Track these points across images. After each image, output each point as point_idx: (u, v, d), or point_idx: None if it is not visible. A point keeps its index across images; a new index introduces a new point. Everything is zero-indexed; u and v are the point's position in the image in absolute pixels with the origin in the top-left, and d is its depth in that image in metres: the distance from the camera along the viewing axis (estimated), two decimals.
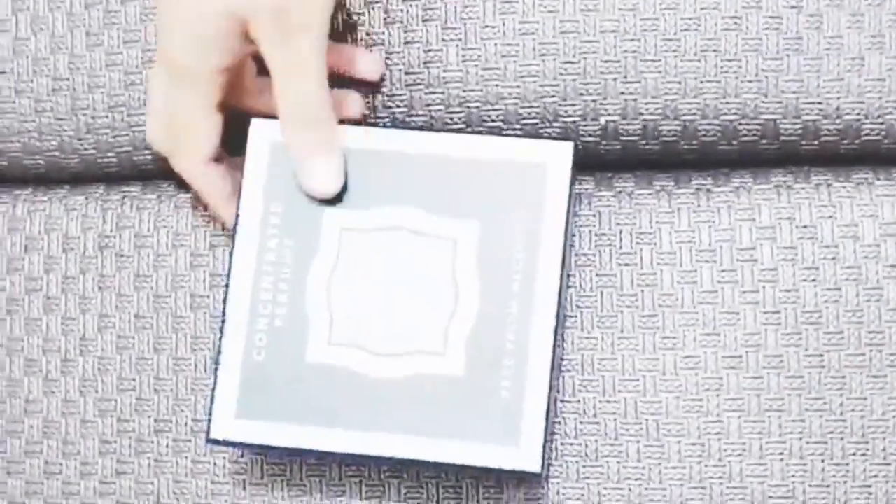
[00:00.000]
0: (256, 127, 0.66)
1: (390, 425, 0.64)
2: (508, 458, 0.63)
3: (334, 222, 0.65)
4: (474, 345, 0.64)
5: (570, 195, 0.64)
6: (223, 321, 0.65)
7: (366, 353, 0.64)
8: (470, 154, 0.65)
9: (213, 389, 0.65)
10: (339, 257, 0.65)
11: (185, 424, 0.70)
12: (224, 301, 0.65)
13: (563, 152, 0.64)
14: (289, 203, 0.65)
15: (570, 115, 0.69)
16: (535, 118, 0.69)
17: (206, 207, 0.71)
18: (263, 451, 0.68)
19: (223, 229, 0.71)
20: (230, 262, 0.65)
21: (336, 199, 0.65)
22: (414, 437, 0.64)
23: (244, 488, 0.70)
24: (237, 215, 0.65)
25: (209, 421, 0.65)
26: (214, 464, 0.70)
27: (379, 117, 0.70)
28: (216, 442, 0.65)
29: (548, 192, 0.64)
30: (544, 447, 0.63)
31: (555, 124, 0.69)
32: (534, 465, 0.63)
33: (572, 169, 0.64)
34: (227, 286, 0.65)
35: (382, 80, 0.70)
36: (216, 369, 0.65)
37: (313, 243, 0.65)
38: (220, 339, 0.65)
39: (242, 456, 0.70)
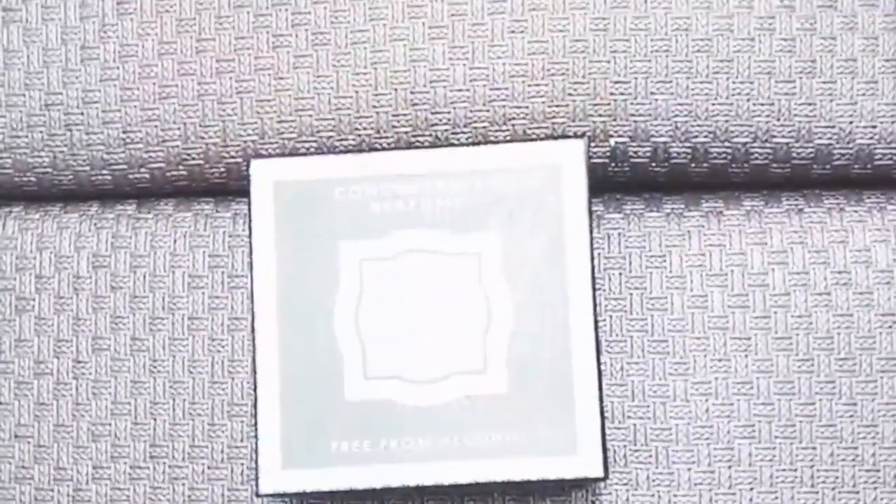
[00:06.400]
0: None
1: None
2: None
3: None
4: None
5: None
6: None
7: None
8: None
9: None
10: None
11: (182, 450, 0.68)
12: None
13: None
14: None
15: (580, 135, 0.68)
16: (543, 139, 0.68)
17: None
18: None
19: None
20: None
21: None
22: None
23: None
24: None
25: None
26: (213, 491, 0.68)
27: (384, 137, 0.69)
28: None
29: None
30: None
31: None
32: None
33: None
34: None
35: None
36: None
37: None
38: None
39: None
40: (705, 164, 0.69)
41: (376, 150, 0.67)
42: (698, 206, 0.69)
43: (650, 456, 0.67)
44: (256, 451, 0.63)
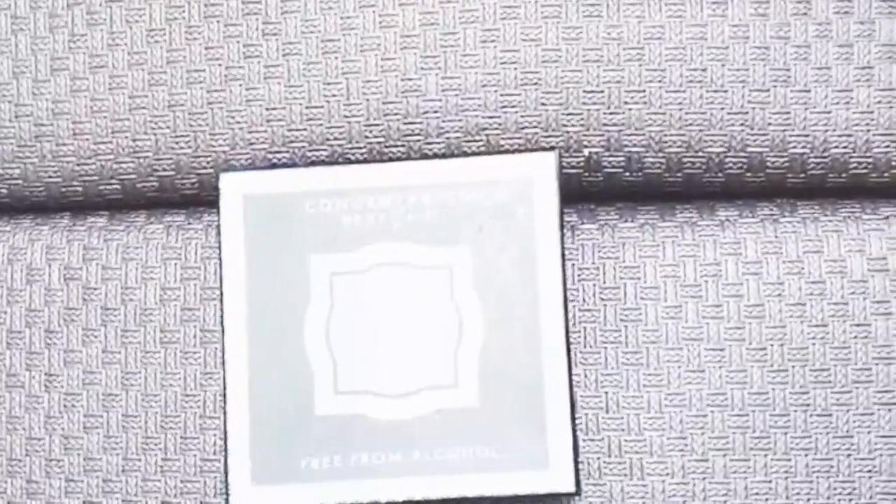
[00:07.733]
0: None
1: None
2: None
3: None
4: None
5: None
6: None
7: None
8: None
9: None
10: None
11: (154, 464, 0.68)
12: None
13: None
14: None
15: (552, 147, 0.68)
16: (516, 150, 0.68)
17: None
18: None
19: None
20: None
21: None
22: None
23: None
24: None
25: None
26: None
27: (356, 148, 0.68)
28: None
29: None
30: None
31: None
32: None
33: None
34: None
35: None
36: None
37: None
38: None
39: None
40: (679, 174, 0.68)
41: (349, 160, 0.67)
42: (672, 216, 0.69)
43: (624, 468, 0.67)
44: (226, 468, 0.63)
